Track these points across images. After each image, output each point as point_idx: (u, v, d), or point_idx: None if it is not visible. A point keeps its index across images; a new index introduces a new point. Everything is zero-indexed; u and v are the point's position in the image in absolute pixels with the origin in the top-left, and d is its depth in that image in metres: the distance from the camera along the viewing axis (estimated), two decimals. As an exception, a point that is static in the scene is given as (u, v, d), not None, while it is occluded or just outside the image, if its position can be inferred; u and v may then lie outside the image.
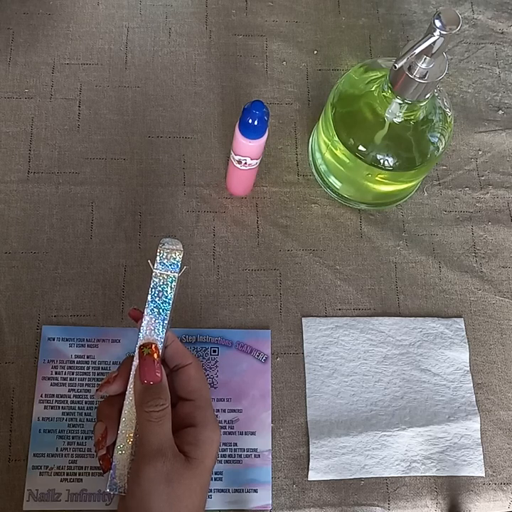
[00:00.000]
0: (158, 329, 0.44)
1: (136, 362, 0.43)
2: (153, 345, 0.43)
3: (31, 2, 0.64)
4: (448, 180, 0.63)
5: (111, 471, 0.43)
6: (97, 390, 0.44)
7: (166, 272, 0.44)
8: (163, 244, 0.44)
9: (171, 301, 0.44)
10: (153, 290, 0.44)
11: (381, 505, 0.53)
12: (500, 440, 0.55)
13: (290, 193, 0.61)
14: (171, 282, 0.44)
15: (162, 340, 0.44)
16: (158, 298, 0.44)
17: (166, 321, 0.44)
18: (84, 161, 0.60)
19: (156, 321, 0.44)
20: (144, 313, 0.44)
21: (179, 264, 0.44)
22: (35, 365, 0.53)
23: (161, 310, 0.44)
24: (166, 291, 0.44)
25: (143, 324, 0.44)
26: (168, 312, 0.44)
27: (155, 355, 0.43)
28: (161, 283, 0.44)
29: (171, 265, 0.44)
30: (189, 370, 0.45)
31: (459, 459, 0.54)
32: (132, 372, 0.44)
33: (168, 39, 0.65)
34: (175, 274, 0.44)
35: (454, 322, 0.58)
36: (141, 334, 0.44)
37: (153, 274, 0.44)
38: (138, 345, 0.44)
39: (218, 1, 0.67)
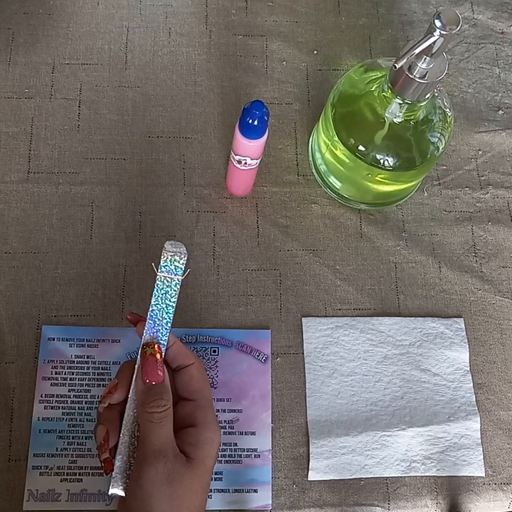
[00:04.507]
0: (162, 332, 0.44)
1: (139, 362, 0.43)
2: (156, 345, 0.43)
3: (31, 2, 0.64)
4: (448, 180, 0.63)
5: (113, 473, 0.43)
6: (100, 402, 0.44)
7: (169, 276, 0.44)
8: (167, 248, 0.45)
9: (174, 305, 0.44)
10: (156, 293, 0.44)
11: (381, 505, 0.53)
12: (500, 440, 0.55)
13: (290, 193, 0.61)
14: (175, 286, 0.44)
15: (165, 342, 0.44)
16: (161, 301, 0.44)
17: (169, 324, 0.44)
18: (84, 161, 0.60)
19: (159, 324, 0.44)
20: (147, 316, 0.44)
21: (183, 267, 0.44)
22: (35, 365, 0.53)
23: (164, 313, 0.44)
24: (170, 295, 0.44)
25: (146, 327, 0.44)
26: (172, 315, 0.44)
27: (157, 355, 0.43)
28: (165, 286, 0.44)
29: (175, 269, 0.44)
30: (191, 370, 0.45)
31: (459, 459, 0.54)
32: (135, 374, 0.44)
33: (168, 39, 0.65)
34: (178, 277, 0.44)
35: (454, 322, 0.58)
36: (143, 337, 0.44)
37: (157, 277, 0.44)
38: (141, 345, 0.44)
39: (218, 1, 0.67)
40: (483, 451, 0.55)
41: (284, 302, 0.57)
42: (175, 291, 0.44)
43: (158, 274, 0.44)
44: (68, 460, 0.51)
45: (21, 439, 0.52)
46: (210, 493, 0.51)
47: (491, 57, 0.67)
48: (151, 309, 0.44)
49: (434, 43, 0.44)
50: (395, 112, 0.51)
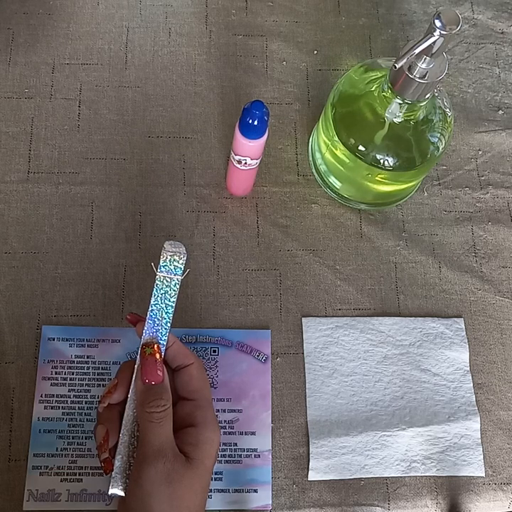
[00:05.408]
0: (161, 332, 0.44)
1: (138, 362, 0.43)
2: (156, 345, 0.43)
3: (31, 2, 0.64)
4: (448, 180, 0.63)
5: (112, 473, 0.43)
6: (99, 402, 0.44)
7: (169, 276, 0.44)
8: (166, 248, 0.45)
9: (173, 304, 0.44)
10: (156, 293, 0.44)
11: (381, 505, 0.53)
12: (500, 440, 0.55)
13: (290, 193, 0.61)
14: (175, 286, 0.44)
15: (164, 342, 0.44)
16: (161, 301, 0.44)
17: (168, 324, 0.44)
18: (84, 161, 0.60)
19: (159, 324, 0.44)
20: (146, 316, 0.44)
21: (182, 267, 0.44)
22: (35, 365, 0.53)
23: (164, 313, 0.44)
24: (170, 295, 0.44)
25: (145, 327, 0.44)
26: (171, 315, 0.44)
27: (157, 355, 0.43)
28: (164, 286, 0.44)
29: (174, 269, 0.44)
30: (191, 370, 0.45)
31: (459, 459, 0.54)
32: (134, 374, 0.44)
33: (168, 39, 0.65)
34: (178, 277, 0.44)
35: (454, 322, 0.58)
36: (143, 337, 0.44)
37: (157, 277, 0.44)
38: (140, 345, 0.44)
39: (218, 1, 0.67)
40: (483, 451, 0.55)
41: (284, 302, 0.57)
42: (174, 291, 0.44)
43: (157, 274, 0.44)
44: (68, 460, 0.51)
45: (21, 439, 0.52)
46: (210, 493, 0.51)
47: (491, 57, 0.67)
48: (150, 309, 0.44)
49: (434, 43, 0.44)
50: (395, 112, 0.51)
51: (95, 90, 0.62)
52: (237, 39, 0.65)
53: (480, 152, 0.64)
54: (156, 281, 0.44)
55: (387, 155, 0.52)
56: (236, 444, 0.53)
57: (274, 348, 0.56)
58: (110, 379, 0.53)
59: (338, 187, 0.59)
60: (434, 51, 0.45)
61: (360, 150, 0.53)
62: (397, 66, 0.46)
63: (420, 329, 0.57)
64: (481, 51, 0.67)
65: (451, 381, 0.56)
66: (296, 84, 0.64)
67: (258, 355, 0.55)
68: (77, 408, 0.53)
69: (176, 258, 0.45)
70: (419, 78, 0.47)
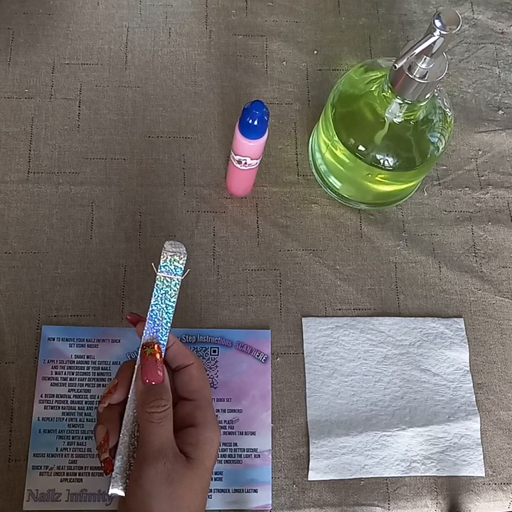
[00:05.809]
0: (161, 332, 0.44)
1: (139, 362, 0.43)
2: (156, 345, 0.43)
3: (31, 2, 0.64)
4: (448, 180, 0.63)
5: (113, 473, 0.43)
6: (99, 402, 0.44)
7: (169, 276, 0.44)
8: (166, 248, 0.45)
9: (174, 305, 0.44)
10: (156, 293, 0.44)
11: (381, 505, 0.53)
12: (500, 440, 0.55)
13: (290, 193, 0.61)
14: (175, 286, 0.44)
15: (165, 342, 0.44)
16: (161, 301, 0.44)
17: (169, 324, 0.44)
18: (84, 161, 0.60)
19: (159, 324, 0.44)
20: (146, 316, 0.44)
21: (183, 267, 0.44)
22: (35, 365, 0.53)
23: (164, 313, 0.44)
24: (170, 295, 0.44)
25: (146, 327, 0.44)
26: (171, 315, 0.44)
27: (157, 355, 0.43)
28: (165, 286, 0.44)
29: (174, 269, 0.44)
30: (191, 370, 0.45)
31: (459, 459, 0.54)
32: (134, 374, 0.44)
33: (168, 39, 0.65)
34: (178, 277, 0.44)
35: (454, 322, 0.58)
36: (143, 337, 0.44)
37: (157, 277, 0.44)
38: (140, 345, 0.44)
39: (218, 1, 0.67)
40: (483, 451, 0.55)
41: (284, 302, 0.57)
42: (174, 291, 0.44)
43: (157, 274, 0.44)
44: (68, 460, 0.51)
45: (21, 439, 0.52)
46: (210, 493, 0.51)
47: (491, 57, 0.67)
48: (150, 309, 0.44)
49: (434, 43, 0.44)
50: (395, 112, 0.51)
51: (95, 90, 0.62)
52: (237, 39, 0.65)
53: (480, 152, 0.64)
54: (157, 282, 0.44)
55: (387, 155, 0.52)
56: (236, 444, 0.53)
57: (274, 348, 0.56)
58: (110, 379, 0.53)
59: (338, 187, 0.59)
60: (434, 51, 0.45)
61: (360, 150, 0.53)
62: (397, 66, 0.46)
63: (420, 329, 0.57)
64: (481, 51, 0.67)
65: (451, 381, 0.56)
66: (296, 84, 0.64)
67: (258, 355, 0.55)
68: (77, 408, 0.53)
69: (176, 258, 0.45)
70: (419, 78, 0.47)
